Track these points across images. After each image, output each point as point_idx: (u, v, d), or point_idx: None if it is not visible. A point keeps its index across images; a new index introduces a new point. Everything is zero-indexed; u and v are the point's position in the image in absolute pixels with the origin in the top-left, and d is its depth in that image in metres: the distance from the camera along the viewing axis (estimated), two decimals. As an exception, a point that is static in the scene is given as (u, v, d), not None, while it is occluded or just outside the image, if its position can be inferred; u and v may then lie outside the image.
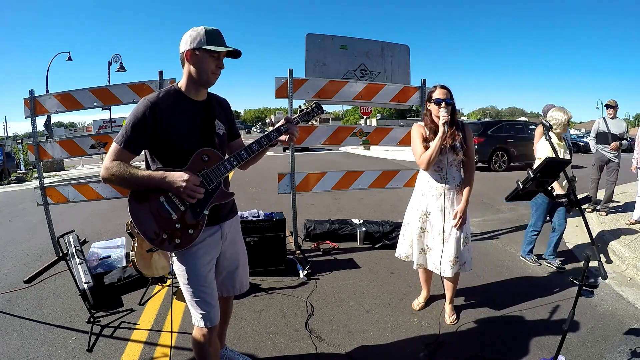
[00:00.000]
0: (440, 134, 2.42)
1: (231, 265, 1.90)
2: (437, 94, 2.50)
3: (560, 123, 3.45)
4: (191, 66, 1.60)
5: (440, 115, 2.42)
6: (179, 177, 1.51)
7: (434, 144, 2.45)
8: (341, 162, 15.09)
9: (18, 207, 7.57)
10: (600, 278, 1.72)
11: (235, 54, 1.65)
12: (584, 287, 1.78)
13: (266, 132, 1.77)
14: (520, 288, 3.27)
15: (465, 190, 2.55)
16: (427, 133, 2.57)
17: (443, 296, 2.92)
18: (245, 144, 1.81)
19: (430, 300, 2.96)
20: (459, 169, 2.59)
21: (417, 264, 2.68)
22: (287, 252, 3.78)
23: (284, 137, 1.78)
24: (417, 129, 2.62)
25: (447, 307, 2.76)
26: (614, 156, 5.36)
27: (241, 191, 7.86)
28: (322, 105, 1.93)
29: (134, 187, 1.55)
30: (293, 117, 1.80)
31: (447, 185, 2.54)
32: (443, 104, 2.44)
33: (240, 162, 1.69)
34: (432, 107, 2.52)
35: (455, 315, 2.72)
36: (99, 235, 4.77)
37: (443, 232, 2.55)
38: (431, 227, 2.60)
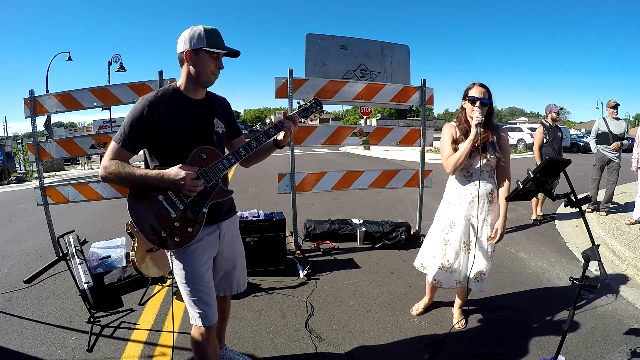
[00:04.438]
0: (471, 136, 2.20)
1: (229, 264, 1.90)
2: (474, 92, 2.27)
3: None
4: (191, 66, 1.60)
5: (474, 115, 2.21)
6: (176, 173, 1.52)
7: (463, 147, 2.25)
8: (341, 162, 15.07)
9: (18, 207, 7.57)
10: (600, 278, 1.72)
11: (233, 53, 1.66)
12: (584, 287, 1.78)
13: (264, 129, 1.77)
14: (520, 288, 3.27)
15: (502, 202, 2.30)
16: (458, 134, 2.37)
17: (442, 301, 2.91)
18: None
19: (430, 307, 2.88)
20: (491, 176, 2.38)
21: (436, 281, 2.50)
22: (287, 252, 3.78)
23: (282, 134, 1.77)
24: (448, 129, 2.42)
25: (456, 312, 2.69)
26: (615, 156, 5.36)
27: (241, 191, 7.86)
28: (322, 105, 1.93)
29: (133, 185, 1.56)
30: (291, 113, 1.80)
31: (476, 193, 2.32)
32: (478, 103, 2.23)
33: (239, 159, 1.69)
34: (467, 105, 2.31)
35: (464, 320, 2.65)
36: (99, 235, 4.77)
37: (469, 242, 2.39)
38: (454, 238, 2.40)
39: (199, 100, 1.69)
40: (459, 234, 2.39)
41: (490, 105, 2.30)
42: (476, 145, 2.24)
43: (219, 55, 1.62)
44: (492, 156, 2.31)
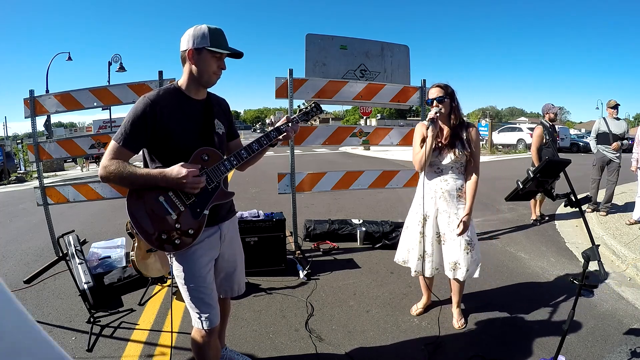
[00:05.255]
0: (429, 132, 2.33)
1: (230, 266, 1.89)
2: (430, 94, 2.45)
3: None
4: (193, 65, 1.59)
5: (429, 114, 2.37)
6: (177, 171, 1.49)
7: (425, 144, 2.37)
8: (341, 162, 15.08)
9: (18, 207, 7.57)
10: (600, 278, 1.72)
11: (236, 54, 1.65)
12: (584, 287, 1.78)
13: (266, 132, 1.77)
14: (520, 288, 3.27)
15: (469, 197, 2.42)
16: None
17: (443, 300, 2.91)
18: (243, 144, 1.81)
19: (430, 306, 2.88)
20: (460, 172, 2.49)
21: (415, 271, 2.59)
22: (287, 252, 3.78)
23: (284, 135, 1.79)
24: (419, 128, 2.53)
25: (455, 311, 2.69)
26: (615, 156, 5.36)
27: (241, 191, 7.86)
28: (322, 106, 1.95)
29: (133, 185, 1.52)
30: (293, 117, 1.81)
31: (445, 188, 2.46)
32: (434, 103, 2.40)
33: (241, 161, 1.69)
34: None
35: (463, 320, 2.66)
36: (99, 235, 4.77)
37: (442, 234, 2.50)
38: (428, 230, 2.52)
39: (200, 101, 1.69)
40: (431, 226, 2.52)
41: (451, 101, 2.42)
42: (444, 142, 2.42)
43: (222, 55, 1.61)
44: (460, 153, 2.40)
